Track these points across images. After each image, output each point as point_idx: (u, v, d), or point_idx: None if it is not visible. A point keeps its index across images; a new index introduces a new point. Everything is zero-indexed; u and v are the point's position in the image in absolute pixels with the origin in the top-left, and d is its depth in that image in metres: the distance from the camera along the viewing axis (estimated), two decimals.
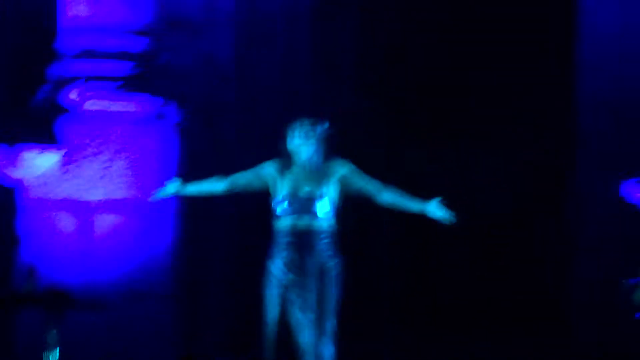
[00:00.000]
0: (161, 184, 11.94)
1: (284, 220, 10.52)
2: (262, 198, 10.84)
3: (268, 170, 10.69)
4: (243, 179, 10.78)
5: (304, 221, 10.46)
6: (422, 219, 11.86)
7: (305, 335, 10.57)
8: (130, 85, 14.60)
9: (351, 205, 10.84)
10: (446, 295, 15.83)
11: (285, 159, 10.70)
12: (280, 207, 10.53)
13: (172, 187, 10.85)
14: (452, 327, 15.25)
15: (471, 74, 16.55)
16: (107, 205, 14.59)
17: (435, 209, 10.49)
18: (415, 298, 15.56)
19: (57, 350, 11.89)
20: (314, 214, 10.49)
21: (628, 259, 12.76)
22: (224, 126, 15.70)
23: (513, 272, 16.23)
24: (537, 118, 16.68)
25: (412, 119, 16.27)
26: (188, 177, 14.14)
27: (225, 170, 14.60)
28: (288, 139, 10.65)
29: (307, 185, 10.51)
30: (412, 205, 10.59)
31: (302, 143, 10.58)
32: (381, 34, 16.74)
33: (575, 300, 15.94)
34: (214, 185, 10.85)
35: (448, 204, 10.57)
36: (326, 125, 10.70)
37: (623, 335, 12.43)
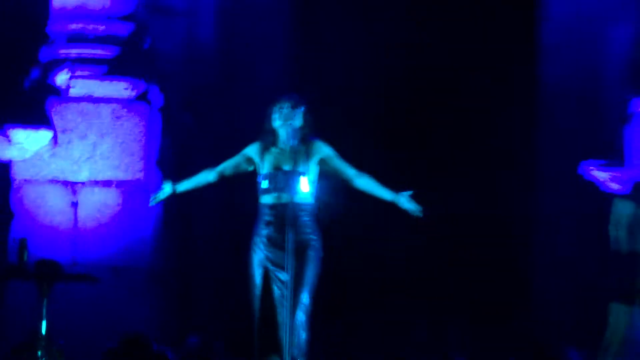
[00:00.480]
0: (152, 184, 12.37)
1: (267, 196, 10.71)
2: (245, 178, 11.04)
3: (251, 150, 10.88)
4: (230, 164, 11.02)
5: (284, 198, 10.61)
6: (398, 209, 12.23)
7: (282, 313, 10.67)
8: (115, 68, 14.80)
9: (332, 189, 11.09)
10: (420, 277, 15.81)
11: (267, 138, 10.86)
12: (264, 183, 10.73)
13: (167, 190, 11.07)
14: (425, 308, 15.34)
15: (444, 73, 16.65)
16: (96, 184, 14.72)
17: (405, 201, 10.69)
18: (389, 281, 15.59)
19: (44, 321, 11.97)
20: (294, 191, 10.62)
21: (585, 230, 13.19)
22: (205, 107, 15.89)
23: (482, 252, 16.57)
24: (504, 107, 16.76)
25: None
26: (172, 157, 14.74)
27: (206, 149, 15.21)
28: (269, 119, 10.84)
29: (288, 164, 10.67)
30: (385, 194, 10.80)
31: (282, 124, 10.75)
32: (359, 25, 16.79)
33: (536, 280, 16.14)
34: (205, 178, 11.09)
35: (418, 196, 10.96)
36: (304, 107, 10.86)
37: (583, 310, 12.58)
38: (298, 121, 10.75)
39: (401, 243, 15.58)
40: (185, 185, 11.16)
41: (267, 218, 10.71)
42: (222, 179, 11.05)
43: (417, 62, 16.57)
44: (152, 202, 11.35)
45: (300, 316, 10.66)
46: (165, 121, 14.98)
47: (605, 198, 12.52)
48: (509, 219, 16.56)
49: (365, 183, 10.86)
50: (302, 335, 10.74)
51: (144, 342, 10.50)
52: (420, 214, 10.70)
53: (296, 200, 10.62)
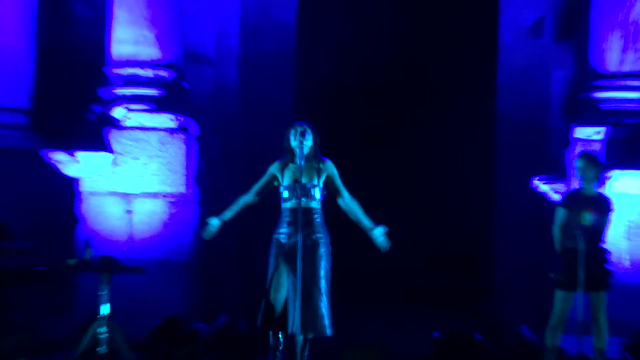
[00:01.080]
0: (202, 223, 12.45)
1: (287, 203, 10.86)
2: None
3: (274, 168, 10.97)
4: (262, 185, 11.12)
5: (302, 203, 10.75)
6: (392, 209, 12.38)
7: (291, 296, 10.75)
8: (162, 105, 14.74)
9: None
10: (405, 269, 16.03)
11: (285, 157, 10.95)
12: (285, 193, 10.88)
13: (215, 224, 11.12)
14: (409, 293, 15.61)
15: (424, 110, 16.77)
16: (147, 196, 14.64)
17: (378, 235, 10.90)
18: (379, 272, 15.70)
19: (108, 305, 12.05)
20: (310, 198, 10.85)
21: (536, 232, 13.27)
22: (231, 135, 15.99)
23: (453, 250, 16.75)
24: (473, 136, 17.01)
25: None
26: (205, 174, 14.96)
27: (231, 168, 15.31)
28: (287, 140, 10.94)
29: (304, 178, 10.77)
30: (365, 222, 10.97)
31: (297, 144, 10.82)
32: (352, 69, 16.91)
33: (496, 271, 16.14)
34: (245, 201, 11.17)
35: (390, 232, 11.04)
36: (313, 130, 10.95)
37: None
38: (309, 141, 10.87)
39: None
40: (229, 214, 11.23)
41: (287, 219, 10.86)
42: (259, 197, 11.08)
43: (395, 100, 16.74)
44: (206, 237, 11.21)
45: (323, 300, 10.83)
46: (200, 146, 15.01)
47: (551, 206, 12.58)
48: (476, 224, 16.66)
49: (352, 206, 11.04)
50: (325, 314, 10.84)
51: (181, 321, 10.62)
52: (387, 249, 10.85)
53: (310, 206, 10.83)
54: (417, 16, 16.73)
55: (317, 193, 10.91)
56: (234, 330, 12.96)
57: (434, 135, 16.65)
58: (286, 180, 10.94)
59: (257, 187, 11.08)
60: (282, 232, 10.93)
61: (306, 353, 10.88)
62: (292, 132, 10.94)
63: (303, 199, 10.81)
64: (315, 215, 10.91)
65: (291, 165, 10.98)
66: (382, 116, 16.60)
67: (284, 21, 16.96)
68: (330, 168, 11.04)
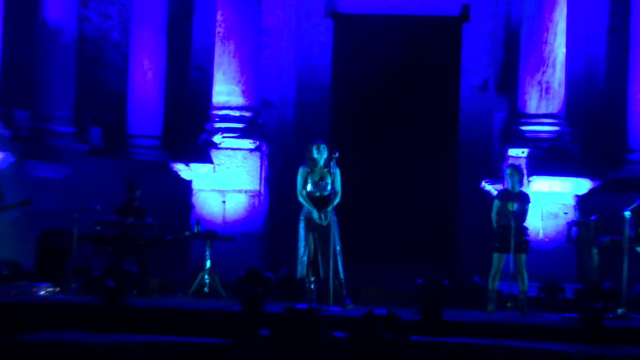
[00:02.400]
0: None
1: (312, 193, 11.16)
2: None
3: (304, 172, 11.20)
4: (304, 184, 11.23)
5: (321, 194, 11.13)
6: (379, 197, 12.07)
7: (323, 258, 11.10)
8: (244, 134, 14.58)
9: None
10: (391, 236, 15.45)
11: (309, 164, 11.22)
12: (309, 187, 11.14)
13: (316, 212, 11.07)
14: (394, 255, 14.94)
15: (401, 138, 16.25)
16: (235, 192, 14.47)
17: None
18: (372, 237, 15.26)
19: (209, 263, 12.37)
20: (325, 190, 11.12)
21: (484, 215, 12.54)
22: (288, 153, 15.63)
23: (428, 226, 15.99)
24: (444, 155, 16.52)
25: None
26: (271, 178, 14.84)
27: (289, 174, 14.92)
28: (311, 153, 11.23)
29: (322, 178, 11.11)
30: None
31: (319, 157, 11.18)
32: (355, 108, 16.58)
33: (461, 234, 15.99)
34: (309, 198, 11.21)
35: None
36: (328, 147, 11.26)
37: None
38: (325, 154, 11.13)
39: (379, 218, 15.40)
40: (307, 203, 11.20)
41: (313, 209, 11.14)
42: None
43: (392, 127, 16.37)
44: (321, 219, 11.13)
45: (340, 255, 11.06)
46: (269, 160, 14.91)
47: (492, 199, 12.36)
48: (446, 211, 16.32)
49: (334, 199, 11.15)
50: (340, 267, 11.06)
51: (257, 271, 10.75)
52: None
53: (326, 195, 11.08)
54: (410, 78, 16.41)
55: (328, 187, 11.09)
56: (290, 278, 12.76)
57: (419, 150, 16.23)
58: (310, 179, 11.14)
59: (302, 184, 11.19)
60: (307, 211, 11.14)
61: (343, 292, 11.09)
62: (315, 147, 11.19)
63: (322, 192, 11.09)
64: (329, 202, 11.09)
65: (315, 169, 11.17)
66: (382, 136, 16.25)
67: (323, 82, 16.73)
68: (337, 172, 11.20)
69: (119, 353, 7.65)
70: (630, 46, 15.39)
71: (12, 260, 12.68)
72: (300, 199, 11.28)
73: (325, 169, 11.19)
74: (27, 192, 13.99)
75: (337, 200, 11.22)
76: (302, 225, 11.27)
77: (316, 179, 11.18)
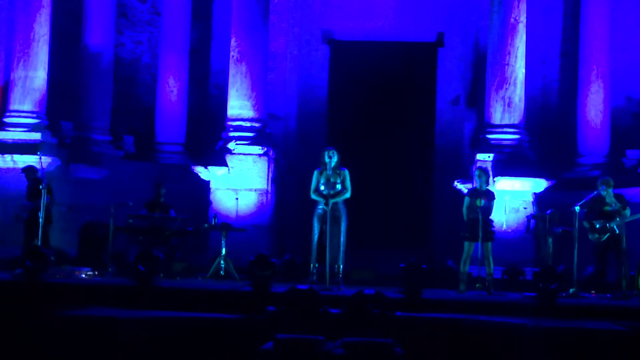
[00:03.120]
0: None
1: (323, 191, 10.94)
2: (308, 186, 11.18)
3: (317, 174, 11.02)
4: (316, 184, 11.04)
5: (331, 192, 10.89)
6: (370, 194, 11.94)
7: (327, 251, 10.90)
8: (254, 141, 14.46)
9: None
10: (381, 226, 15.29)
11: (321, 167, 11.03)
12: (322, 186, 10.95)
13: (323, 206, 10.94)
14: (380, 240, 14.95)
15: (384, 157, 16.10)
16: (246, 190, 14.30)
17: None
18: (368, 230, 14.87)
19: (225, 250, 12.33)
20: (335, 189, 10.90)
21: (456, 210, 12.77)
22: (292, 157, 15.62)
23: (408, 217, 15.91)
24: (421, 153, 16.36)
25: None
26: (278, 179, 14.66)
27: (292, 175, 15.05)
28: (323, 157, 11.04)
29: (332, 178, 10.93)
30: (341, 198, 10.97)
31: (328, 161, 10.99)
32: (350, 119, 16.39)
33: (437, 225, 15.78)
34: (317, 194, 11.04)
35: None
36: (338, 153, 11.07)
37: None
38: (335, 158, 10.96)
39: (368, 211, 14.93)
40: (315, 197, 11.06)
41: (323, 200, 10.95)
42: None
43: (378, 136, 16.24)
44: (324, 209, 10.94)
45: (343, 245, 10.96)
46: (275, 163, 14.74)
47: (462, 196, 12.32)
48: (424, 205, 16.14)
49: (345, 195, 10.99)
50: (342, 253, 10.98)
51: (265, 257, 10.75)
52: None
53: (335, 192, 10.91)
54: (395, 93, 16.23)
55: (338, 187, 10.95)
56: (293, 263, 12.81)
57: (401, 154, 16.13)
58: (322, 180, 11.01)
59: (315, 185, 11.05)
60: (320, 208, 11.00)
61: (340, 275, 10.97)
62: (325, 153, 11.11)
63: (332, 190, 10.92)
64: (339, 199, 10.99)
65: (325, 172, 11.01)
66: (370, 142, 16.10)
67: (320, 98, 16.61)
68: (346, 174, 11.08)
69: (148, 326, 7.64)
70: (579, 67, 15.52)
71: (58, 248, 12.64)
72: (313, 195, 11.09)
73: (336, 171, 11.03)
74: (72, 190, 14.20)
75: (347, 195, 11.06)
76: (314, 219, 11.11)
77: (327, 179, 11.03)
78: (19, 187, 12.89)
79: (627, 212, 11.51)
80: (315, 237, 11.06)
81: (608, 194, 11.59)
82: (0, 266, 11.99)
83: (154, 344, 7.47)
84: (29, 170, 12.42)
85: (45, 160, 13.10)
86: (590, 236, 11.61)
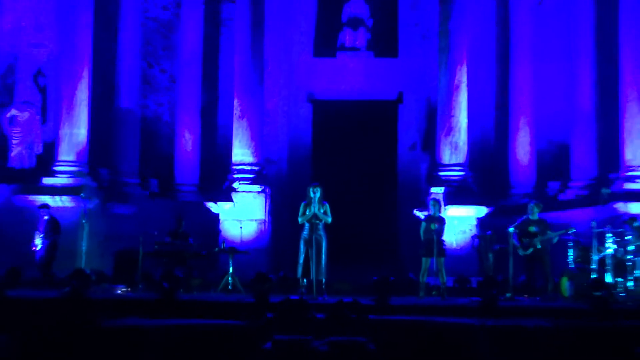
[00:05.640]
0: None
1: (308, 219, 10.77)
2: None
3: (303, 205, 10.82)
4: (303, 212, 10.85)
5: (314, 221, 10.70)
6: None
7: (313, 267, 10.71)
8: (254, 181, 14.40)
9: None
10: (354, 245, 14.90)
11: (307, 201, 10.80)
12: (307, 216, 10.77)
13: (307, 230, 10.71)
14: (352, 256, 14.50)
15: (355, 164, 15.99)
16: (248, 220, 14.05)
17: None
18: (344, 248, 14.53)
19: (232, 269, 12.14)
20: (319, 219, 10.72)
21: (417, 231, 12.16)
22: (285, 193, 15.42)
23: (376, 234, 15.69)
24: (388, 188, 16.12)
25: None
26: (278, 210, 14.48)
27: (285, 207, 14.66)
28: (309, 192, 10.82)
29: (317, 209, 10.71)
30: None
31: (313, 195, 10.77)
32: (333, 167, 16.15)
33: (401, 245, 15.65)
34: (306, 217, 10.80)
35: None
36: (321, 188, 10.86)
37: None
38: (318, 193, 10.76)
39: (345, 234, 14.09)
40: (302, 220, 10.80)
41: (307, 225, 10.80)
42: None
43: (355, 176, 16.06)
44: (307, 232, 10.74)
45: (324, 262, 10.76)
46: (271, 198, 14.69)
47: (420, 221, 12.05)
48: (391, 229, 15.97)
49: (326, 220, 10.77)
50: (324, 269, 10.77)
51: (264, 274, 10.66)
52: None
53: (319, 220, 10.75)
54: (365, 140, 16.25)
55: (321, 216, 10.79)
56: (287, 278, 12.62)
57: (371, 188, 16.09)
58: (307, 211, 10.83)
59: (302, 213, 10.86)
60: (306, 233, 10.84)
61: (323, 287, 10.75)
62: (311, 189, 10.85)
63: (316, 219, 10.76)
64: (320, 226, 10.82)
65: (311, 205, 10.81)
66: (346, 178, 15.90)
67: (306, 145, 16.54)
68: (326, 207, 10.87)
69: (172, 332, 7.57)
70: (509, 118, 15.66)
71: (98, 270, 12.57)
72: (300, 221, 10.90)
73: (320, 203, 10.80)
74: (108, 223, 14.09)
75: (328, 221, 10.79)
76: (301, 242, 10.89)
77: (311, 210, 10.80)
78: (66, 221, 12.95)
79: (549, 232, 11.55)
80: (302, 257, 10.82)
81: (534, 216, 11.63)
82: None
83: (176, 347, 7.40)
84: (44, 207, 12.49)
85: (87, 200, 13.12)
86: (519, 251, 11.61)
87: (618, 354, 5.93)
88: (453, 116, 14.45)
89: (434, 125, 15.05)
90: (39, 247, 12.23)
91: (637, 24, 13.06)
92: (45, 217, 12.39)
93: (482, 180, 15.03)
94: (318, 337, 7.15)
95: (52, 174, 14.10)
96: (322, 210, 10.74)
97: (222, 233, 14.19)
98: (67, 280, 10.20)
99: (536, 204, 11.71)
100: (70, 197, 13.54)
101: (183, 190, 16.09)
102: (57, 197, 13.73)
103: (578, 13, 14.31)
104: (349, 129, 16.19)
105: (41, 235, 12.28)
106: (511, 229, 11.45)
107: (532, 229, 11.44)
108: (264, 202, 14.46)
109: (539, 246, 11.39)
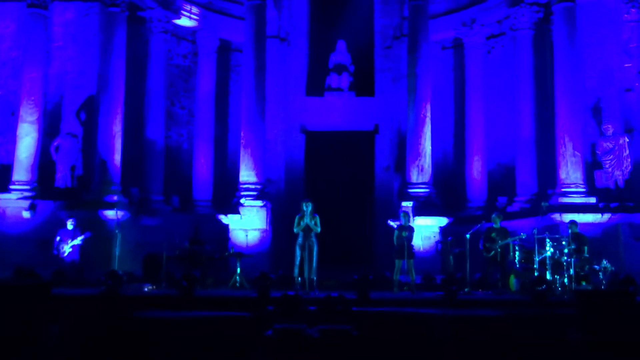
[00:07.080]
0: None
1: (301, 229, 10.61)
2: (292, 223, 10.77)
3: (298, 218, 10.61)
4: (298, 223, 10.64)
5: (307, 230, 10.53)
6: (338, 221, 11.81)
7: (306, 268, 10.58)
8: (256, 198, 14.18)
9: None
10: (336, 248, 14.26)
11: (300, 214, 10.59)
12: (301, 226, 10.59)
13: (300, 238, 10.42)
14: (336, 259, 14.10)
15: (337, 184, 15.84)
16: (252, 229, 13.87)
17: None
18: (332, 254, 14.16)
19: (239, 269, 11.92)
20: (311, 228, 10.55)
21: (390, 239, 12.18)
22: (284, 206, 15.25)
23: (354, 239, 15.57)
24: (367, 202, 15.87)
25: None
26: (277, 221, 14.16)
27: (284, 218, 14.14)
28: (302, 206, 10.66)
29: (309, 220, 10.56)
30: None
31: (306, 209, 10.59)
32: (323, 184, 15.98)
33: (378, 249, 15.50)
34: (300, 227, 10.56)
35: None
36: (312, 203, 10.71)
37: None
38: (310, 207, 10.58)
39: (332, 240, 13.65)
40: (297, 229, 10.47)
41: (301, 234, 10.60)
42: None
43: (340, 190, 15.92)
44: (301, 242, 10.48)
45: (315, 264, 10.57)
46: (272, 211, 14.45)
47: (394, 230, 11.97)
48: (368, 235, 15.74)
49: (316, 230, 10.47)
50: (315, 269, 10.59)
51: (265, 273, 10.50)
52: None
53: (311, 230, 10.56)
54: (348, 163, 16.25)
55: (313, 227, 10.63)
56: (284, 277, 12.30)
57: (353, 202, 15.97)
58: (301, 223, 10.67)
59: (296, 224, 10.68)
60: (300, 240, 10.66)
61: (314, 284, 10.57)
62: (304, 203, 10.69)
63: (308, 229, 10.58)
64: (312, 234, 10.66)
65: (304, 217, 10.63)
66: (332, 194, 15.69)
67: (300, 168, 16.49)
68: (317, 218, 10.64)
69: (190, 323, 7.53)
70: (465, 144, 15.71)
71: (129, 271, 12.42)
72: (295, 230, 10.73)
73: (311, 216, 10.61)
74: (138, 233, 13.95)
75: (318, 230, 10.57)
76: (297, 247, 10.71)
77: (304, 221, 10.62)
78: (103, 231, 12.87)
79: (508, 238, 11.50)
80: (297, 259, 10.68)
81: (497, 225, 11.62)
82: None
83: (194, 334, 7.36)
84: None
85: (120, 213, 12.96)
86: (484, 253, 11.55)
87: (555, 337, 6.01)
88: (420, 144, 14.36)
89: (404, 151, 15.00)
90: (66, 253, 11.86)
91: (567, 69, 13.23)
92: (70, 227, 11.96)
93: (443, 195, 14.98)
94: (310, 325, 7.08)
95: (91, 192, 13.83)
96: (313, 222, 10.58)
97: (231, 240, 14.03)
98: (103, 280, 10.15)
99: (497, 215, 11.67)
100: (113, 212, 13.22)
101: (199, 205, 15.96)
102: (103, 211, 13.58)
103: (520, 60, 14.54)
104: (335, 155, 16.34)
105: (70, 242, 11.90)
106: (468, 236, 11.34)
107: (494, 235, 11.38)
108: (266, 214, 14.30)
109: (499, 250, 11.30)
